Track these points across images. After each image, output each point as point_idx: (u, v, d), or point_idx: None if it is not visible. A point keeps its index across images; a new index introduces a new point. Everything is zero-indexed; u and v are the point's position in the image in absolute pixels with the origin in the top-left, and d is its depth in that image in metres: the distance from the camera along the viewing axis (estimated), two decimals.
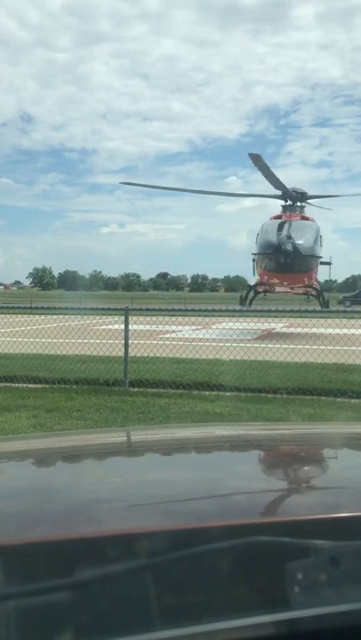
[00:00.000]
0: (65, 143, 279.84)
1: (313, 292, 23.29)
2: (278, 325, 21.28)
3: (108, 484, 1.00)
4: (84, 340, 11.70)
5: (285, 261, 20.06)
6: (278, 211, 23.75)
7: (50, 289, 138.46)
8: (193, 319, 21.55)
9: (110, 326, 15.99)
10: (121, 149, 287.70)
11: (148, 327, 15.74)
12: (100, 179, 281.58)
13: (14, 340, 13.24)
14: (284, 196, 23.30)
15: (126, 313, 9.90)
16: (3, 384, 9.36)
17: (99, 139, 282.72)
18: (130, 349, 9.39)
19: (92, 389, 8.89)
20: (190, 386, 8.97)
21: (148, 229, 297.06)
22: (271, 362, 10.51)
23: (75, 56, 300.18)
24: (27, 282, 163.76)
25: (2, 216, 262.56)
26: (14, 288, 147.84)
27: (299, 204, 23.47)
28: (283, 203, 23.61)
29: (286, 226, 20.68)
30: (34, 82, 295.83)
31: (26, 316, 16.29)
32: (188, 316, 20.29)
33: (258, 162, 20.17)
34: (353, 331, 13.27)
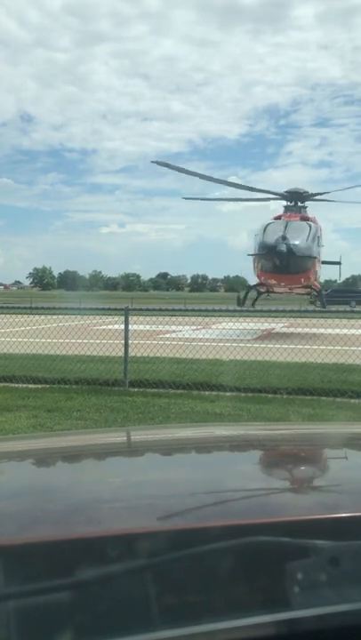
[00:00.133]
0: (65, 143, 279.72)
1: (313, 293, 23.32)
2: (278, 325, 21.29)
3: (107, 484, 1.00)
4: (84, 340, 11.70)
5: (281, 262, 20.18)
6: (279, 211, 23.82)
7: (50, 289, 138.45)
8: (193, 319, 21.56)
9: (110, 326, 15.99)
10: (121, 149, 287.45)
11: (148, 327, 15.75)
12: (100, 179, 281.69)
13: (14, 340, 13.24)
14: (287, 197, 23.39)
15: (126, 313, 9.90)
16: (3, 384, 9.37)
17: (99, 139, 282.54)
18: (130, 349, 9.40)
19: (91, 389, 8.89)
20: (190, 386, 8.97)
21: (148, 229, 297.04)
22: (271, 362, 10.51)
23: (75, 56, 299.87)
24: (27, 282, 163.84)
25: (2, 216, 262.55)
26: (14, 288, 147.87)
27: (300, 204, 23.54)
28: (285, 203, 23.70)
29: (282, 227, 20.79)
30: (34, 82, 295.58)
31: (26, 316, 16.29)
32: (188, 316, 20.30)
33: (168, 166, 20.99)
34: (353, 331, 13.26)
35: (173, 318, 19.01)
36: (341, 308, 21.76)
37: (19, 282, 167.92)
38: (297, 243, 20.27)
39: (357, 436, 1.54)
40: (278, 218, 22.64)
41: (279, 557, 0.68)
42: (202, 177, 25.32)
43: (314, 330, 17.39)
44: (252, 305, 22.75)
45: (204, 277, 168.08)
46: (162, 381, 9.11)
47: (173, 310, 13.35)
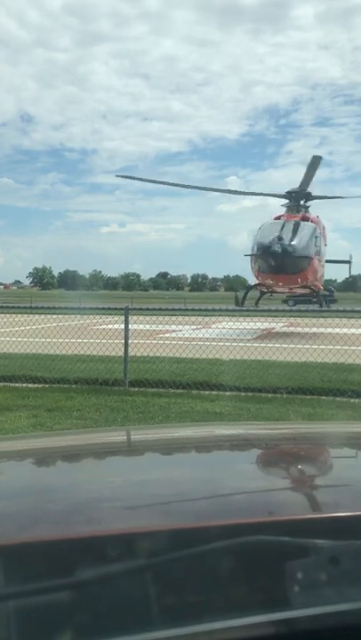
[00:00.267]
0: (65, 143, 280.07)
1: (312, 292, 23.29)
2: (278, 325, 21.28)
3: (107, 484, 1.00)
4: (83, 340, 11.69)
5: (276, 263, 20.26)
6: (279, 210, 23.84)
7: (50, 289, 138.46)
8: (193, 319, 21.56)
9: (110, 326, 15.98)
10: (121, 149, 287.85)
11: (148, 327, 15.75)
12: (100, 179, 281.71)
13: (14, 339, 13.24)
14: (288, 196, 23.41)
15: (126, 312, 9.90)
16: (3, 384, 9.36)
17: (99, 139, 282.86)
18: (130, 349, 9.40)
19: (91, 389, 8.89)
20: (190, 385, 8.97)
21: (148, 229, 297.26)
22: (271, 361, 10.51)
23: (75, 56, 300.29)
24: (27, 281, 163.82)
25: (2, 216, 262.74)
26: (14, 288, 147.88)
27: (303, 203, 23.57)
28: (287, 203, 23.73)
29: (279, 227, 20.85)
30: (34, 82, 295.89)
31: (26, 315, 16.31)
32: (187, 315, 20.29)
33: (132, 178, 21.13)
34: (353, 330, 13.26)
35: (173, 318, 19.00)
36: (311, 307, 21.72)
37: (19, 281, 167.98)
38: (292, 243, 20.31)
39: (357, 436, 1.54)
40: (279, 218, 22.65)
41: (279, 557, 0.68)
42: (181, 186, 25.35)
43: (314, 329, 17.39)
44: (256, 304, 22.79)
45: (205, 277, 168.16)
46: (162, 381, 9.11)
47: (173, 310, 13.34)
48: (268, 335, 18.15)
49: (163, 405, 7.71)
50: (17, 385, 9.27)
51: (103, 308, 13.84)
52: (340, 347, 11.00)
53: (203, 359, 10.72)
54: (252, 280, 23.74)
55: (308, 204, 23.96)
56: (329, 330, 14.48)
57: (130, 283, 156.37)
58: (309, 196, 23.86)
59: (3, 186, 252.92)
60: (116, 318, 13.36)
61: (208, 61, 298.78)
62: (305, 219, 22.49)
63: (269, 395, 8.44)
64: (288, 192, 23.61)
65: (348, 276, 37.27)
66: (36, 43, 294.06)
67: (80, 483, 1.04)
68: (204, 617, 0.63)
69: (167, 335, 16.48)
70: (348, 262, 27.38)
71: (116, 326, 12.56)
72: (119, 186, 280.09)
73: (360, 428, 1.73)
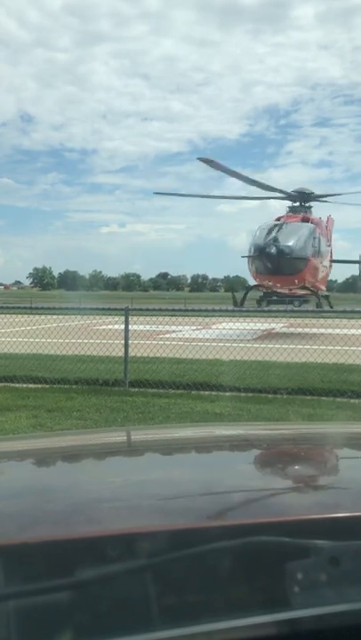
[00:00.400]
0: (65, 143, 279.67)
1: (310, 293, 23.26)
2: (278, 325, 21.29)
3: (107, 484, 1.00)
4: (84, 340, 11.70)
5: (272, 264, 20.35)
6: (279, 211, 23.89)
7: (50, 289, 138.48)
8: (193, 319, 21.58)
9: (110, 326, 15.99)
10: (121, 149, 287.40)
11: (148, 327, 15.74)
12: (100, 179, 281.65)
13: (14, 340, 13.24)
14: (293, 197, 23.45)
15: (126, 313, 9.90)
16: (3, 384, 9.37)
17: (99, 139, 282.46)
18: (130, 349, 9.40)
19: (92, 389, 8.89)
20: (190, 386, 8.98)
21: (148, 229, 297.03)
22: (271, 362, 10.51)
23: (75, 56, 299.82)
24: (27, 282, 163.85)
25: (2, 216, 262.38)
26: (14, 288, 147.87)
27: (305, 204, 23.60)
28: (289, 203, 23.76)
29: (276, 228, 20.91)
30: (34, 82, 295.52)
31: (26, 316, 16.30)
32: (188, 316, 20.31)
33: (215, 166, 20.83)
34: (353, 331, 13.26)
35: (173, 318, 19.01)
36: (283, 307, 21.63)
37: (19, 282, 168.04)
38: (287, 244, 20.37)
39: (357, 436, 1.54)
40: (279, 219, 22.69)
41: (279, 557, 0.68)
42: (240, 177, 25.04)
43: (314, 330, 17.40)
44: (258, 305, 22.81)
45: (205, 277, 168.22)
46: (162, 381, 9.11)
47: (173, 310, 13.35)
48: (269, 336, 18.16)
49: (163, 406, 7.71)
50: (17, 385, 9.28)
51: (103, 309, 13.86)
52: (340, 347, 11.00)
53: (203, 360, 10.72)
54: (252, 281, 23.78)
55: (312, 204, 24.02)
56: (329, 330, 14.47)
57: (130, 283, 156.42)
58: (310, 197, 23.90)
59: (3, 186, 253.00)
60: (117, 319, 13.36)
61: (208, 61, 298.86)
62: (306, 220, 22.49)
63: (269, 395, 8.44)
64: (293, 192, 23.67)
65: (358, 275, 37.20)
66: (35, 43, 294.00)
67: (80, 483, 1.04)
68: (204, 617, 0.63)
69: (167, 336, 16.48)
70: (359, 262, 27.43)
71: (116, 327, 12.56)
72: (119, 186, 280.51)
73: (360, 429, 1.73)
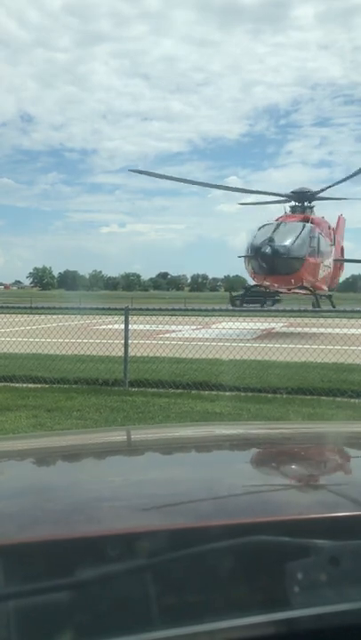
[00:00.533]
0: (65, 143, 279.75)
1: (310, 293, 23.25)
2: (278, 325, 21.29)
3: (108, 484, 1.00)
4: (83, 340, 11.70)
5: (267, 264, 20.41)
6: (279, 211, 23.92)
7: (50, 289, 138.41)
8: (193, 319, 21.58)
9: (110, 326, 15.99)
10: (121, 149, 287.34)
11: (148, 327, 15.75)
12: (100, 179, 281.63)
13: (14, 339, 13.24)
14: (292, 197, 23.47)
15: (126, 313, 9.90)
16: (3, 384, 9.37)
17: (99, 139, 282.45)
18: (130, 349, 9.40)
19: (91, 389, 8.89)
20: (190, 385, 8.97)
21: (148, 229, 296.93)
22: (271, 361, 10.51)
23: (75, 56, 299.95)
24: (27, 282, 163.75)
25: (2, 216, 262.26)
26: (14, 288, 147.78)
27: (307, 204, 23.63)
28: (290, 203, 23.79)
29: (273, 229, 20.97)
30: (34, 82, 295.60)
31: (26, 315, 16.32)
32: (188, 315, 20.32)
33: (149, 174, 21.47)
34: (353, 330, 13.26)
35: (173, 318, 19.02)
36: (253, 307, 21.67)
37: (19, 281, 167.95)
38: (282, 244, 20.40)
39: (357, 436, 1.54)
40: (279, 219, 22.73)
41: (279, 557, 0.68)
42: (187, 182, 25.30)
43: (314, 329, 17.40)
44: (261, 305, 22.85)
45: (205, 277, 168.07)
46: (162, 381, 9.11)
47: (173, 310, 13.35)
48: (268, 335, 18.16)
49: (163, 405, 7.71)
50: (17, 385, 9.28)
51: (103, 309, 13.86)
52: (339, 347, 11.00)
53: (203, 359, 10.72)
54: (252, 281, 23.80)
55: (313, 203, 24.03)
56: (329, 330, 14.48)
57: (130, 283, 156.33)
58: (312, 197, 23.93)
59: (3, 186, 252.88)
60: (116, 318, 13.37)
61: (208, 61, 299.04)
62: (305, 220, 22.48)
63: (269, 395, 8.44)
64: (292, 192, 23.70)
65: (358, 274, 37.44)
66: (35, 43, 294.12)
67: (80, 482, 1.04)
68: (204, 617, 0.63)
69: (167, 335, 16.48)
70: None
71: (116, 326, 12.57)
72: (119, 186, 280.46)
73: (360, 428, 1.73)
